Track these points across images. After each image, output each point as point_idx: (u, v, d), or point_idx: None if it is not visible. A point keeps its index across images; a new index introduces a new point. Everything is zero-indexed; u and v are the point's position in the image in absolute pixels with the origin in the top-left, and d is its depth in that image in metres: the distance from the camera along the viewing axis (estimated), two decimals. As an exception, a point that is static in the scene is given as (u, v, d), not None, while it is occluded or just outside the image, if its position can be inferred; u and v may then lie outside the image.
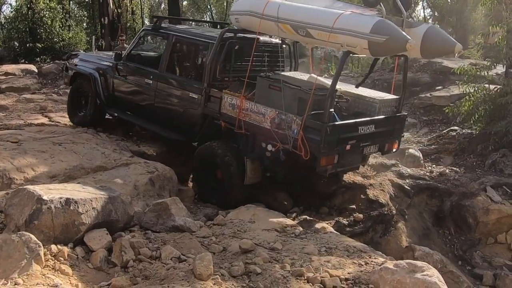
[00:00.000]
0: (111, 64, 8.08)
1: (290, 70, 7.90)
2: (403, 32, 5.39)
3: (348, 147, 5.97)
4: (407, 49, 5.33)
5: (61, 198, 4.20)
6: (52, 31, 17.93)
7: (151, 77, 7.39)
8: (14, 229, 4.10)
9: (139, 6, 25.72)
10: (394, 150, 7.02)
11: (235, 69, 6.86)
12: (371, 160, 8.63)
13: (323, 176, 6.35)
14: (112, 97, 8.00)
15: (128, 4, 18.93)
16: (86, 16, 24.51)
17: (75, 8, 25.72)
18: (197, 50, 7.32)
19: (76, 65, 8.71)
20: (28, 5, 17.93)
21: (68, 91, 9.43)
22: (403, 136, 7.31)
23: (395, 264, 3.89)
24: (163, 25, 7.87)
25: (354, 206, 7.45)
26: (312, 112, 5.73)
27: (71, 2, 23.30)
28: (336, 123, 5.91)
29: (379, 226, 7.31)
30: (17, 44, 18.05)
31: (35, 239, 3.89)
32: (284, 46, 7.75)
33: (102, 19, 17.53)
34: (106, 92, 8.04)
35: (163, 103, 7.31)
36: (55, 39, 17.85)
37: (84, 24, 24.08)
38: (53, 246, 4.08)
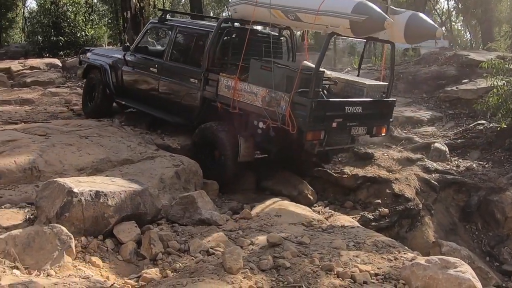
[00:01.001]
0: (120, 56, 8.57)
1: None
2: (382, 12, 5.86)
3: (334, 124, 6.30)
4: (385, 28, 5.81)
5: (91, 190, 4.24)
6: (75, 26, 18.08)
7: (156, 66, 7.89)
8: (45, 221, 4.15)
9: (161, 0, 25.83)
10: (382, 134, 7.42)
11: (232, 56, 7.18)
12: (396, 154, 8.56)
13: (312, 153, 6.72)
14: (121, 86, 8.52)
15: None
16: (108, 11, 24.69)
17: (98, 3, 25.90)
18: (197, 39, 7.68)
19: (88, 58, 9.30)
20: (52, 0, 18.11)
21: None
22: (391, 120, 7.58)
23: (427, 259, 3.83)
24: (168, 18, 8.40)
25: (379, 201, 7.41)
26: (300, 90, 6.10)
27: (94, -4, 23.52)
28: (321, 100, 6.39)
29: (405, 221, 7.24)
30: (41, 39, 18.24)
31: (66, 231, 3.94)
32: (281, 38, 8.08)
33: (125, 14, 17.53)
34: (115, 82, 8.55)
35: (167, 89, 7.82)
36: (78, 33, 18.00)
37: (107, 19, 24.25)
38: (83, 238, 4.13)
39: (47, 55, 16.95)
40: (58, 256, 3.77)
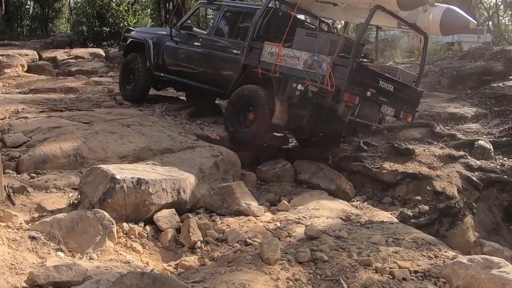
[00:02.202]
0: (164, 33, 9.07)
1: None
2: None
3: (368, 93, 6.64)
4: (429, 2, 6.46)
5: (133, 178, 4.32)
6: (118, 16, 18.40)
7: (200, 40, 8.40)
8: (89, 206, 4.26)
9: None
10: (408, 120, 7.76)
11: (275, 33, 7.56)
12: (438, 150, 8.38)
13: (342, 122, 6.97)
14: (162, 60, 8.88)
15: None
16: (151, 2, 24.99)
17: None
18: (244, 16, 8.20)
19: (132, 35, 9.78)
20: (97, -10, 18.49)
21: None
22: (417, 110, 8.01)
23: (469, 258, 3.74)
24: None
25: (419, 198, 7.29)
26: (341, 54, 6.57)
27: (137, -13, 23.79)
28: (361, 63, 6.86)
29: (445, 219, 7.11)
30: (85, 29, 18.65)
31: (109, 216, 4.03)
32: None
33: (167, 4, 17.78)
34: (156, 56, 8.94)
35: (208, 61, 8.21)
36: (121, 24, 18.30)
37: (149, 10, 24.57)
38: (124, 224, 4.21)
39: (91, 45, 17.33)
40: (100, 240, 3.87)
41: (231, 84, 7.75)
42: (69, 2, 28.50)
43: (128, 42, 9.69)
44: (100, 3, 18.32)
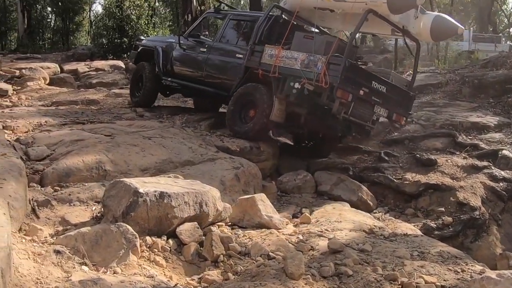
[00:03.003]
0: (173, 41, 9.58)
1: None
2: None
3: (361, 92, 6.98)
4: (418, 4, 6.88)
5: (155, 191, 4.32)
6: (138, 28, 18.64)
7: (206, 46, 8.89)
8: (112, 220, 4.27)
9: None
10: (402, 123, 8.02)
11: (276, 38, 8.01)
12: (461, 161, 8.26)
13: (337, 120, 7.27)
14: (170, 66, 9.38)
15: (211, 1, 19.26)
16: (170, 14, 25.27)
17: (160, 6, 26.54)
18: (247, 24, 8.72)
19: (143, 43, 10.37)
20: (117, 3, 18.74)
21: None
22: (410, 113, 8.35)
23: (498, 274, 3.65)
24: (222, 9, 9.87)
25: (442, 209, 7.19)
26: (335, 54, 6.96)
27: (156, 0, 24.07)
28: (353, 62, 7.21)
29: (470, 231, 6.99)
30: (106, 41, 18.91)
31: (132, 230, 4.04)
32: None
33: (186, 17, 17.94)
34: (165, 62, 9.43)
35: (213, 65, 8.71)
36: (141, 36, 18.52)
37: (168, 22, 24.83)
38: (147, 238, 4.21)
39: (111, 57, 17.56)
40: (124, 254, 3.87)
41: (233, 85, 8.16)
42: (89, 15, 28.97)
43: (139, 50, 10.21)
44: (120, 16, 18.58)
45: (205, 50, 8.83)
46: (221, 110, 9.82)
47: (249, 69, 7.98)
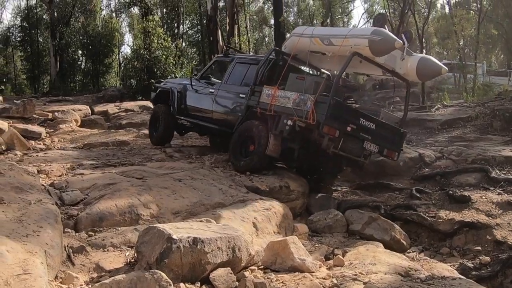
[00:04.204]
0: (188, 83, 10.34)
1: None
2: (394, 36, 7.40)
3: (348, 128, 7.41)
4: (396, 47, 7.30)
5: (189, 237, 4.33)
6: (166, 69, 19.07)
7: (214, 87, 9.67)
8: (146, 266, 4.28)
9: (247, 42, 26.65)
10: (394, 158, 8.40)
11: (275, 79, 8.45)
12: (495, 196, 8.07)
13: (327, 154, 7.67)
14: (184, 106, 10.22)
15: (237, 41, 19.64)
16: (196, 53, 25.83)
17: (187, 47, 27.17)
18: (251, 66, 9.29)
19: (161, 85, 11.16)
20: (145, 45, 19.27)
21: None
22: (402, 150, 8.66)
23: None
24: (230, 53, 10.61)
25: (479, 248, 7.00)
26: (323, 94, 7.47)
27: (183, 41, 24.65)
28: (338, 100, 7.59)
29: (509, 271, 6.71)
30: (134, 82, 19.40)
31: (166, 277, 4.03)
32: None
33: (212, 56, 18.32)
34: (179, 102, 10.26)
35: (219, 104, 9.44)
36: (169, 76, 18.93)
37: (195, 62, 25.36)
38: (181, 285, 4.19)
39: (140, 97, 17.95)
40: (159, 302, 3.86)
41: (237, 123, 8.77)
42: (118, 57, 29.79)
43: (157, 91, 11.05)
44: (148, 57, 19.06)
45: (213, 90, 9.58)
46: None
47: (250, 108, 8.60)
